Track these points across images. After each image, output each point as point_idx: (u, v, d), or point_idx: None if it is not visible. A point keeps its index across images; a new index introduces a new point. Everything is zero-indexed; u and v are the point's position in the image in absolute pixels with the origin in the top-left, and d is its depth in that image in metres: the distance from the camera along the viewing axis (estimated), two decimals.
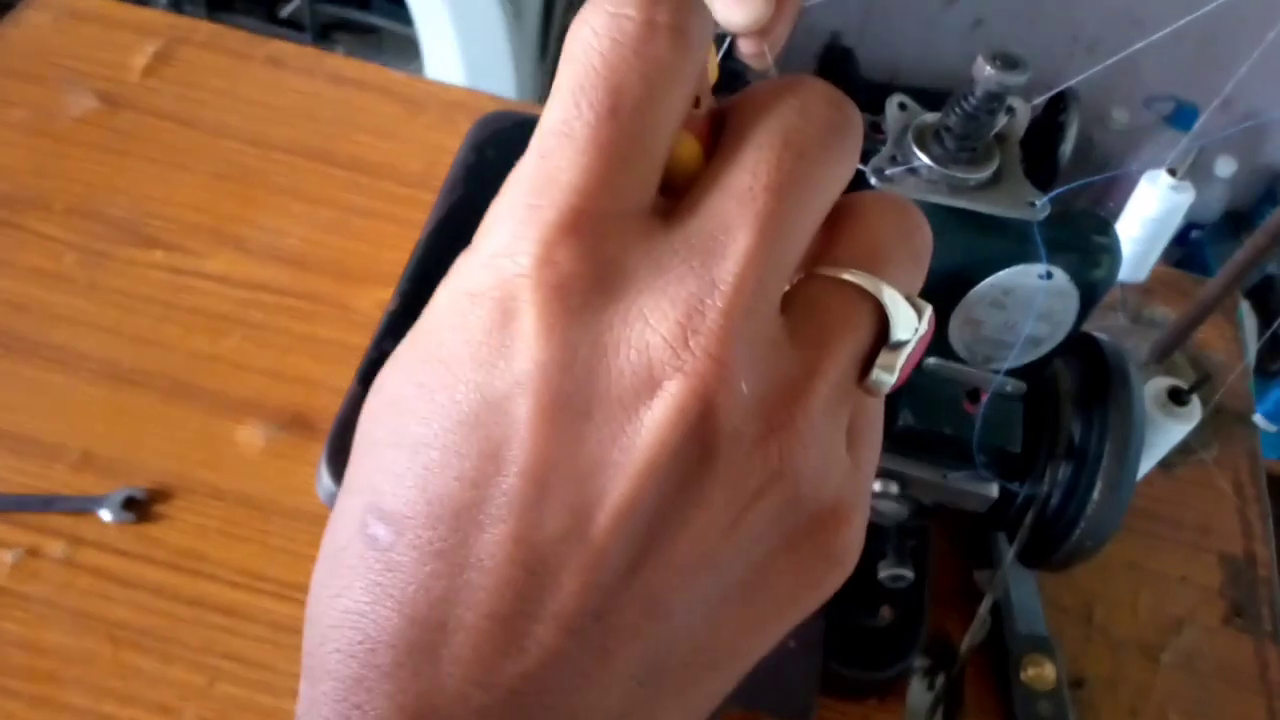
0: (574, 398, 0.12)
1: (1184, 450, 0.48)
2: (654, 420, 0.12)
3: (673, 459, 0.12)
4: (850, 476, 0.14)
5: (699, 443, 0.12)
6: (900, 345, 0.14)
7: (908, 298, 0.14)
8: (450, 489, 0.12)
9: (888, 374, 0.14)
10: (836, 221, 0.15)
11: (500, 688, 0.12)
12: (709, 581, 0.13)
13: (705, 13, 0.14)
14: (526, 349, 0.12)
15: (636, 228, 0.13)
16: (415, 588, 0.12)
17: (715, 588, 0.13)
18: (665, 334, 0.12)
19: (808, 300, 0.14)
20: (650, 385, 0.12)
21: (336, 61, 0.62)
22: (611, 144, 0.13)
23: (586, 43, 0.13)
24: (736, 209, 0.13)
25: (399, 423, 0.13)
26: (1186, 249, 1.26)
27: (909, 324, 0.14)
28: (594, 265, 0.13)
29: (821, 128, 0.14)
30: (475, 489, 0.12)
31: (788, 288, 0.14)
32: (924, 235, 0.15)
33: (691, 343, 0.12)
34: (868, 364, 0.14)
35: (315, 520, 0.44)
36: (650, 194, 0.14)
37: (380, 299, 0.46)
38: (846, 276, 0.14)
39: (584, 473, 0.12)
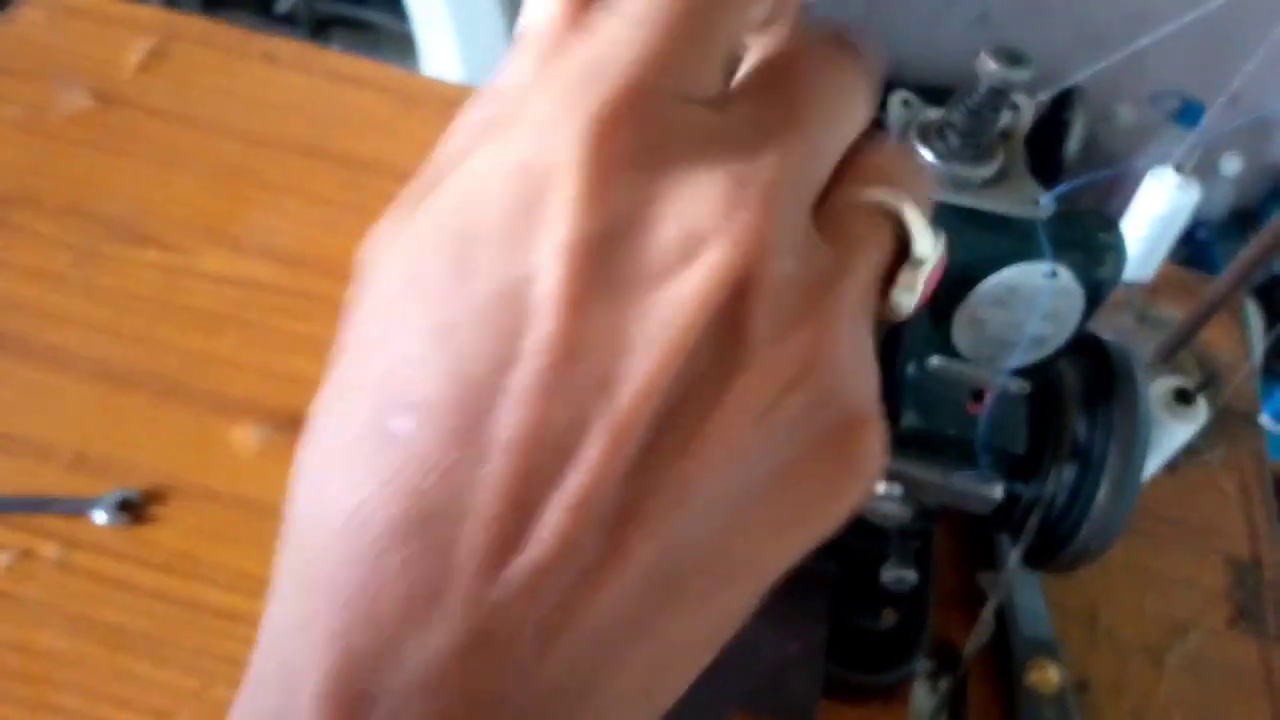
0: (610, 271, 0.12)
1: (1189, 451, 0.47)
2: (690, 289, 0.12)
3: (707, 332, 0.12)
4: (874, 389, 0.14)
5: (735, 318, 0.12)
6: (921, 263, 0.14)
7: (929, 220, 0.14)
8: (479, 371, 0.12)
9: (909, 293, 0.14)
10: (854, 157, 0.15)
11: (510, 582, 0.11)
12: (734, 474, 0.12)
13: None
14: (564, 221, 0.12)
15: (692, 111, 0.13)
16: (436, 477, 0.11)
17: (740, 483, 0.12)
18: (707, 206, 0.12)
19: (833, 214, 0.14)
20: (688, 256, 0.12)
21: (332, 58, 0.61)
22: (684, 31, 0.13)
23: None
24: (780, 112, 0.13)
25: (421, 307, 0.12)
26: (1192, 247, 1.25)
27: (929, 242, 0.14)
28: (644, 142, 0.12)
29: (854, 68, 0.15)
30: (503, 369, 0.12)
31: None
32: (927, 171, 0.16)
33: (734, 214, 0.12)
34: (887, 283, 0.14)
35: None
36: (710, 85, 0.13)
37: None
38: (870, 195, 0.14)
39: (614, 347, 0.12)
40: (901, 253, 0.14)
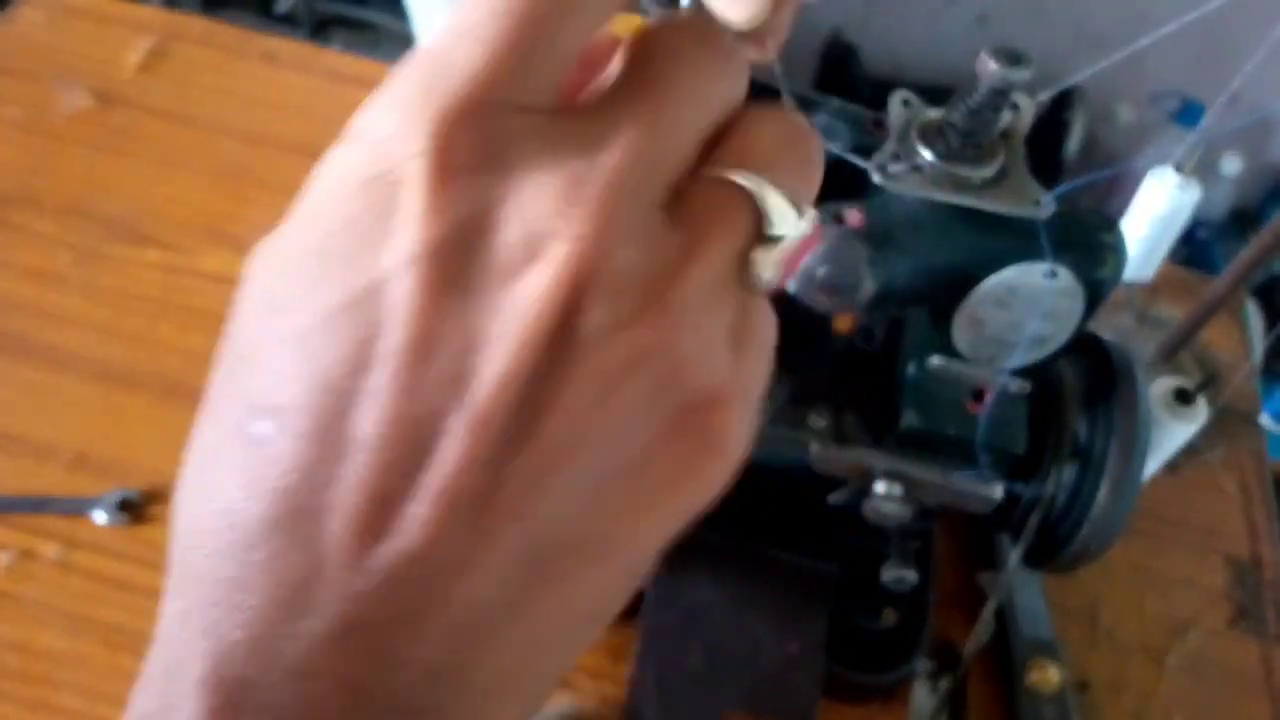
0: (457, 275, 0.12)
1: (1190, 451, 0.47)
2: (531, 289, 0.12)
3: (548, 328, 0.12)
4: (731, 369, 0.14)
5: (573, 312, 0.13)
6: (776, 240, 0.15)
7: (791, 199, 0.15)
8: (333, 373, 0.12)
9: (764, 270, 0.15)
10: (723, 133, 0.15)
11: (377, 571, 0.12)
12: (586, 459, 0.13)
13: None
14: (412, 228, 0.12)
15: (529, 119, 0.13)
16: (296, 476, 0.12)
17: (593, 467, 0.13)
18: (546, 206, 0.13)
19: (690, 197, 0.14)
20: (529, 257, 0.13)
21: (332, 58, 0.61)
22: (519, 44, 0.13)
23: None
24: (624, 108, 0.14)
25: (281, 318, 0.13)
26: (1192, 247, 1.25)
27: (786, 220, 0.15)
28: (484, 150, 0.13)
29: (708, 50, 0.15)
30: (357, 371, 0.12)
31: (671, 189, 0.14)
32: (811, 143, 0.16)
33: (570, 213, 0.13)
34: (743, 259, 0.15)
35: None
36: (548, 96, 0.14)
37: None
38: (727, 175, 0.14)
39: (464, 348, 0.12)
40: (764, 229, 0.15)
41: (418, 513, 0.12)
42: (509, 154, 0.13)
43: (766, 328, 0.16)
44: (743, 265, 0.15)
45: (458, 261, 0.12)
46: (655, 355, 0.13)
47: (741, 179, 0.14)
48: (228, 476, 0.12)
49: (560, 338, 0.12)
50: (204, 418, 0.14)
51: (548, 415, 0.12)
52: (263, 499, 0.12)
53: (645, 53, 0.14)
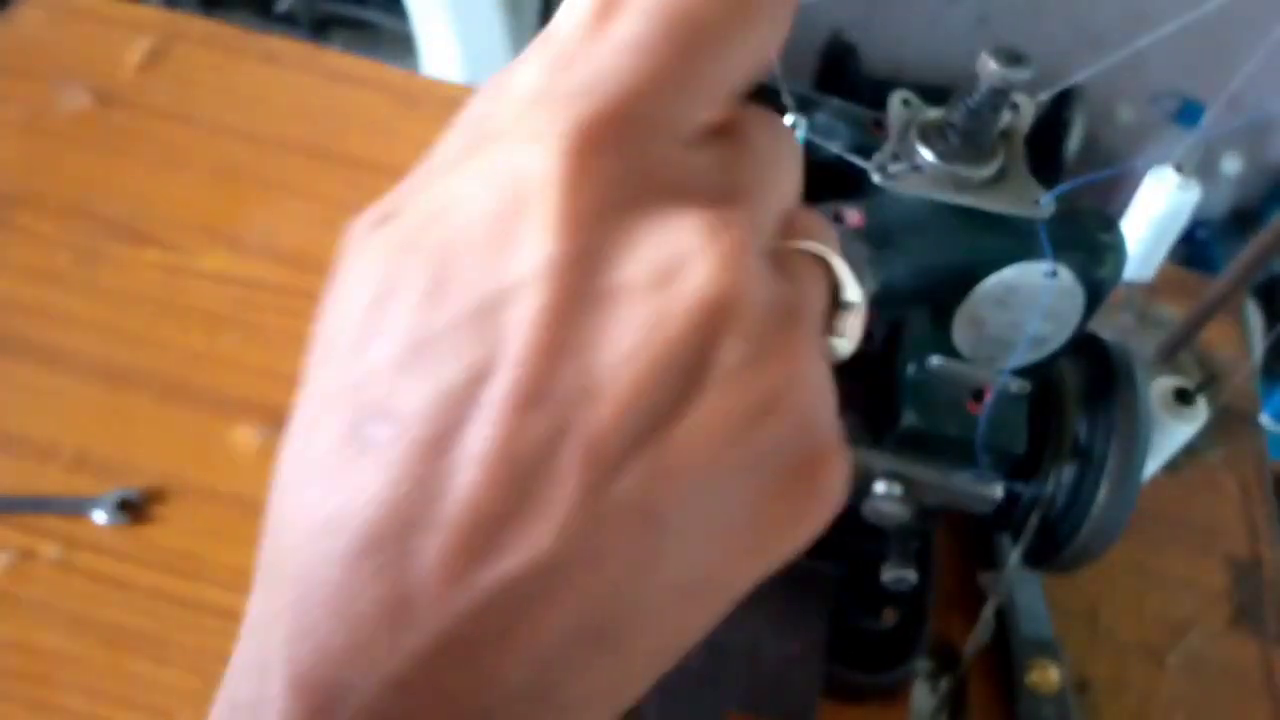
0: (585, 293, 0.12)
1: (1190, 451, 0.47)
2: (670, 308, 0.12)
3: (680, 354, 0.12)
4: (836, 421, 0.14)
5: (710, 340, 0.12)
6: (851, 306, 0.15)
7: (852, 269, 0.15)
8: (455, 384, 0.12)
9: (844, 339, 0.15)
10: (786, 217, 0.16)
11: (479, 589, 0.12)
12: (709, 496, 0.13)
13: None
14: (545, 238, 0.12)
15: (670, 146, 0.13)
16: (409, 486, 0.12)
17: (711, 507, 0.13)
18: (688, 232, 0.12)
19: (778, 261, 0.14)
20: (667, 277, 0.12)
21: (332, 58, 0.61)
22: (675, 68, 0.13)
23: None
24: (744, 168, 0.14)
25: (398, 316, 0.12)
26: (1192, 247, 1.25)
27: (856, 289, 0.15)
28: (623, 165, 0.12)
29: (792, 143, 0.15)
30: (478, 383, 0.12)
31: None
32: (843, 242, 0.17)
33: (714, 242, 0.12)
34: (824, 329, 0.15)
35: None
36: (692, 124, 0.13)
37: None
38: (804, 246, 0.15)
39: (589, 365, 0.12)
40: (832, 301, 0.15)
41: (529, 532, 0.12)
42: (650, 176, 0.12)
43: (834, 392, 0.16)
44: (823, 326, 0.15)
45: (587, 280, 0.12)
46: (785, 401, 0.13)
47: (816, 249, 0.15)
48: (338, 481, 0.12)
49: (691, 367, 0.12)
50: (304, 413, 0.13)
51: (674, 441, 0.12)
52: (375, 508, 0.12)
53: (750, 126, 0.15)
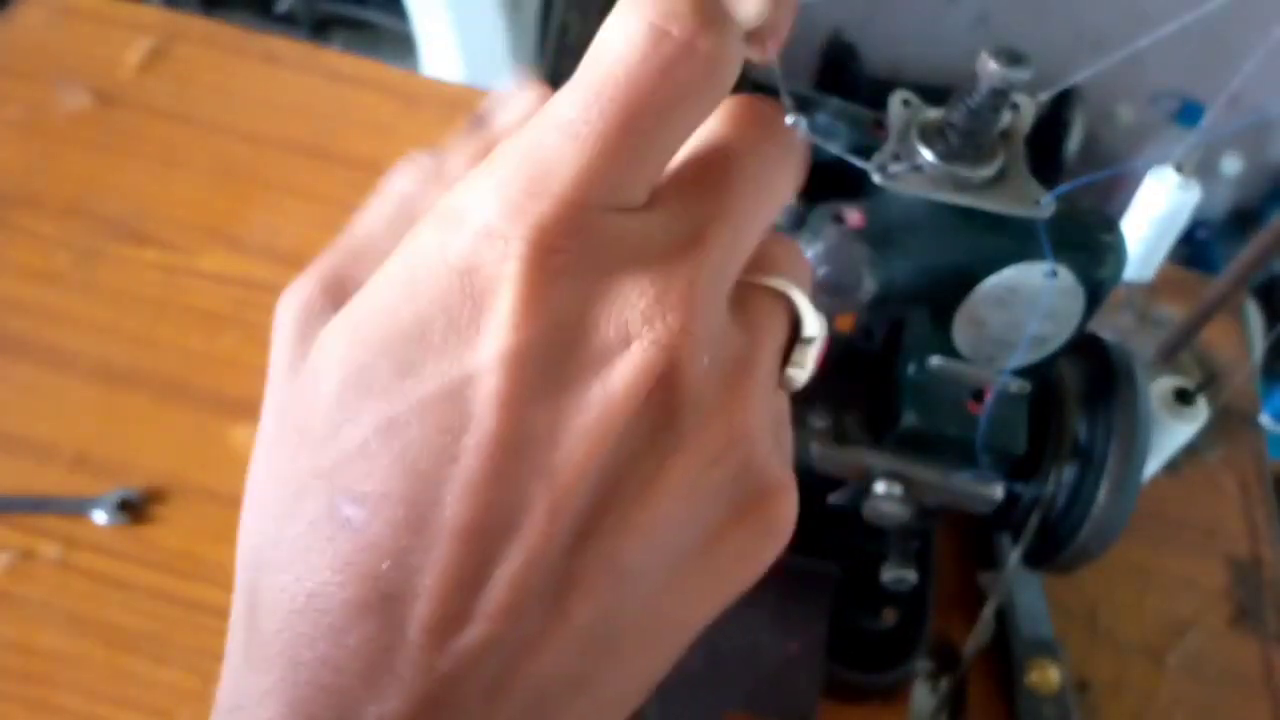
0: (546, 373, 0.13)
1: (1190, 451, 0.47)
2: (619, 383, 0.13)
3: (637, 417, 0.13)
4: (784, 461, 0.15)
5: (663, 404, 0.13)
6: (810, 341, 0.16)
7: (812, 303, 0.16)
8: (426, 464, 0.13)
9: (801, 369, 0.16)
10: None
11: (458, 652, 0.12)
12: (667, 543, 0.14)
13: (741, 44, 0.14)
14: (505, 328, 0.13)
15: (624, 220, 0.14)
16: (389, 564, 0.12)
17: (672, 551, 0.14)
18: (637, 307, 0.13)
19: (741, 299, 0.15)
20: (619, 351, 0.13)
21: (332, 58, 0.61)
22: (618, 152, 0.13)
23: (617, 50, 0.13)
24: (708, 205, 0.14)
25: (369, 402, 0.13)
26: (1192, 247, 1.25)
27: (815, 324, 0.16)
28: (577, 255, 0.13)
29: (781, 150, 0.16)
30: (448, 462, 0.13)
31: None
32: (808, 269, 0.17)
33: (658, 316, 0.13)
34: (784, 359, 0.16)
35: None
36: (644, 194, 0.14)
37: None
38: (768, 282, 0.16)
39: (550, 440, 0.13)
40: (793, 330, 0.16)
41: (499, 598, 0.12)
42: (601, 258, 0.13)
43: (790, 426, 0.17)
44: (780, 366, 0.16)
45: (547, 360, 0.13)
46: (735, 446, 0.14)
47: (779, 285, 0.16)
48: (319, 559, 0.13)
49: (648, 427, 0.13)
50: (276, 494, 0.14)
51: (632, 499, 0.13)
52: (357, 584, 0.12)
53: (730, 149, 0.15)
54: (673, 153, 0.14)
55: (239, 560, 0.14)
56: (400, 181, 0.17)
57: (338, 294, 0.15)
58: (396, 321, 0.13)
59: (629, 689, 0.14)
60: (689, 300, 0.13)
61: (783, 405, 0.16)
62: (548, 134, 0.13)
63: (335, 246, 0.16)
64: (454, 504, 0.12)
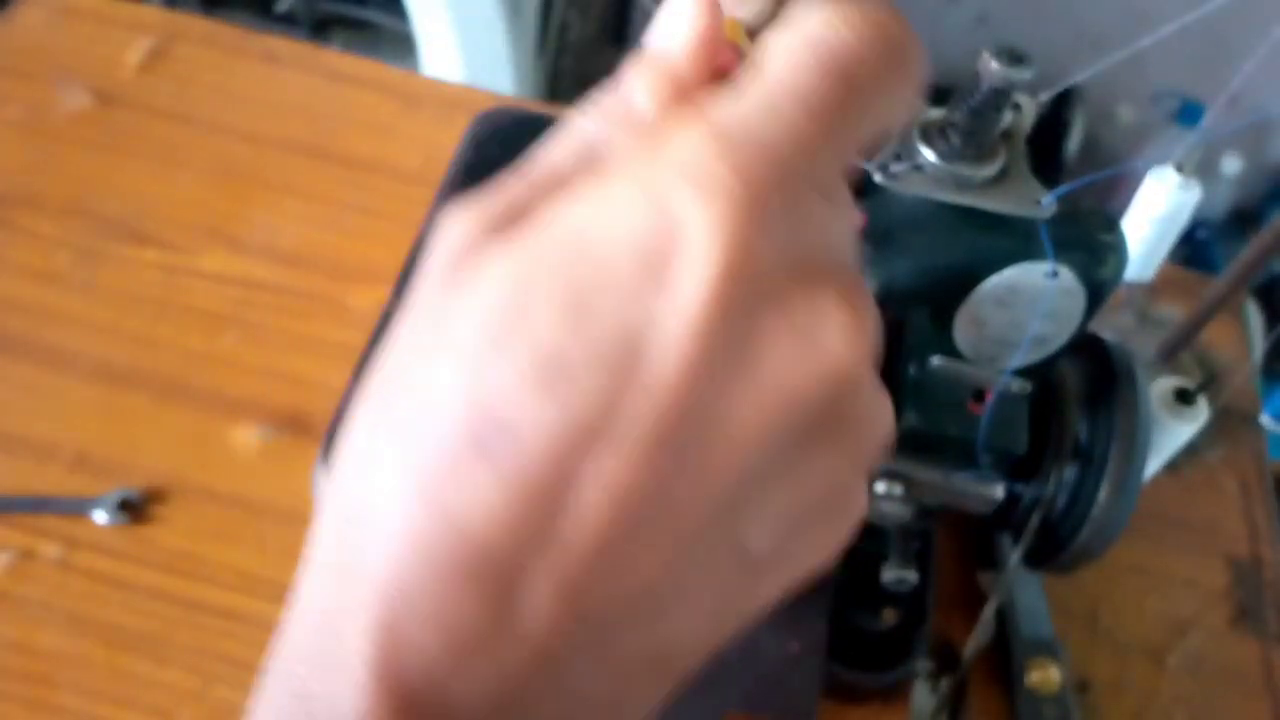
0: (730, 344, 0.12)
1: (1190, 451, 0.47)
2: (802, 377, 0.13)
3: (805, 417, 0.13)
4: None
5: (830, 410, 0.13)
6: None
7: None
8: (588, 412, 0.12)
9: None
10: None
11: (585, 616, 0.12)
12: (788, 527, 0.14)
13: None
14: (698, 285, 0.12)
15: (826, 211, 0.14)
16: (529, 509, 0.12)
17: (789, 533, 0.14)
18: (834, 320, 0.13)
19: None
20: (804, 347, 0.13)
21: (332, 57, 0.61)
22: (837, 134, 0.13)
23: (844, 36, 0.13)
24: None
25: (529, 336, 0.12)
26: (1192, 247, 1.25)
27: None
28: (781, 221, 0.13)
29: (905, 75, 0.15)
30: (612, 416, 0.12)
31: None
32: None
33: (855, 334, 0.13)
34: None
35: (311, 522, 0.43)
36: (837, 183, 0.14)
37: (377, 297, 0.45)
38: None
39: (718, 414, 0.12)
40: None
41: (639, 567, 0.12)
42: (802, 235, 0.13)
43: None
44: None
45: (731, 330, 0.12)
46: (878, 448, 0.15)
47: None
48: (449, 489, 0.12)
49: (806, 428, 0.13)
50: (407, 396, 0.13)
51: (769, 494, 0.13)
52: (492, 525, 0.12)
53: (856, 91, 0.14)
54: (868, 140, 0.14)
55: (337, 459, 0.14)
56: (586, 121, 0.15)
57: (515, 218, 0.14)
58: (570, 255, 0.12)
59: (690, 666, 0.14)
60: (867, 318, 0.14)
61: None
62: (759, 90, 0.13)
63: (514, 176, 0.15)
64: (614, 461, 0.12)
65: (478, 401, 0.12)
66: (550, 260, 0.13)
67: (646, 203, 0.12)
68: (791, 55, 0.13)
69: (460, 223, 0.14)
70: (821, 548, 0.15)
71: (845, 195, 0.14)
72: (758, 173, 0.12)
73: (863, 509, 0.15)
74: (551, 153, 0.15)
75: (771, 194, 0.12)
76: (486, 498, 0.12)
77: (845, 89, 0.13)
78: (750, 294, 0.12)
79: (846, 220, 0.14)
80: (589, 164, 0.14)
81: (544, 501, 0.12)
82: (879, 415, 0.14)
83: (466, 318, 0.13)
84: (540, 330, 0.12)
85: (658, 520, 0.12)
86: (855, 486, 0.15)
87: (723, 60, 0.16)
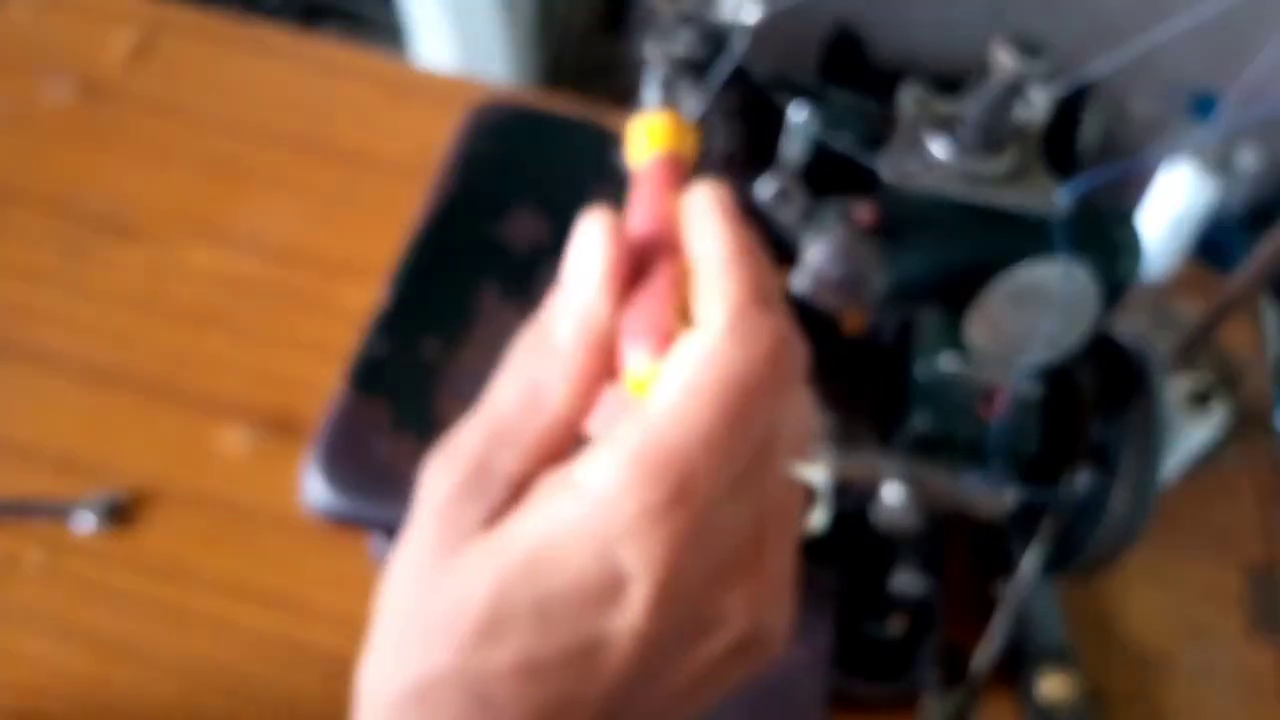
0: (667, 647, 0.17)
1: (1205, 454, 0.46)
2: (722, 646, 0.18)
3: (727, 664, 0.18)
4: (790, 619, 0.20)
5: (746, 651, 0.18)
6: (822, 497, 0.20)
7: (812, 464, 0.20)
8: (560, 697, 0.16)
9: (817, 520, 0.20)
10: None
11: None
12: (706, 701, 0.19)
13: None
14: (642, 613, 0.16)
15: (727, 515, 0.17)
16: None
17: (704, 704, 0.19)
18: (739, 606, 0.18)
19: (773, 496, 0.19)
20: (716, 628, 0.18)
21: (323, 49, 0.60)
22: (739, 457, 0.17)
23: (743, 369, 0.17)
24: (764, 486, 0.18)
25: (511, 638, 0.16)
26: (1207, 244, 1.23)
27: (824, 483, 0.19)
28: (702, 555, 0.17)
29: (804, 407, 0.19)
30: (579, 700, 0.16)
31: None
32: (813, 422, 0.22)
33: (756, 608, 0.18)
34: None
35: (300, 527, 0.42)
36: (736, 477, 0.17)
37: (368, 294, 0.44)
38: (798, 475, 0.19)
39: (659, 687, 0.17)
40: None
41: None
42: (715, 554, 0.17)
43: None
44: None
45: (669, 637, 0.17)
46: (777, 648, 0.19)
47: (803, 471, 0.19)
48: None
49: (729, 665, 0.18)
50: (422, 666, 0.17)
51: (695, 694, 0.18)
52: None
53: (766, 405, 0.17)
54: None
55: (361, 690, 0.18)
56: (523, 357, 0.19)
57: (483, 480, 0.18)
58: (538, 578, 0.16)
59: None
60: (767, 584, 0.18)
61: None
62: (689, 442, 0.16)
63: (475, 426, 0.18)
64: None
65: (476, 685, 0.16)
66: (521, 574, 0.16)
67: (595, 549, 0.16)
68: (697, 398, 0.16)
69: (440, 487, 0.18)
70: (726, 689, 0.19)
71: (748, 481, 0.17)
72: (681, 517, 0.16)
73: (757, 664, 0.19)
74: (501, 394, 0.18)
75: (691, 531, 0.16)
76: None
77: (745, 422, 0.16)
78: (677, 609, 0.16)
79: (746, 503, 0.17)
80: (534, 400, 0.18)
81: None
82: (775, 638, 0.19)
83: (459, 607, 0.17)
84: (519, 634, 0.16)
85: None
86: (757, 664, 0.19)
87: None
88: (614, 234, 0.19)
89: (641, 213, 0.20)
